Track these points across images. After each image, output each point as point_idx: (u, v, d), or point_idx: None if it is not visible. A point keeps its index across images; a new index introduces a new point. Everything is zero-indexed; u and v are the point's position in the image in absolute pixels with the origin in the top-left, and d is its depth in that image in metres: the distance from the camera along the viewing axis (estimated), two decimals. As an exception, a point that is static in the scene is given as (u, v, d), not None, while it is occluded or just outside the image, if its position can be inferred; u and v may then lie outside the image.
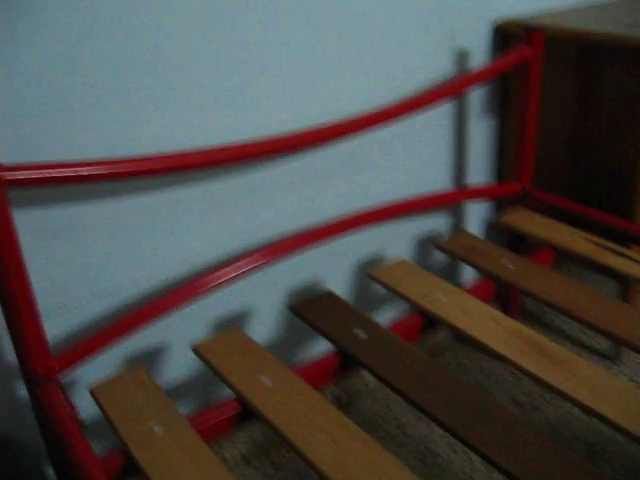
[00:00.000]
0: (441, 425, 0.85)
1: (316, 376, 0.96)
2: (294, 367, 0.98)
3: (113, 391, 0.94)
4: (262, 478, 1.31)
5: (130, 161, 0.93)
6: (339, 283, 1.32)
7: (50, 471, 1.12)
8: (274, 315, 1.28)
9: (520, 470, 0.77)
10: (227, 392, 1.16)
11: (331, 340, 1.02)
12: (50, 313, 1.03)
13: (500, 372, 1.54)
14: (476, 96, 1.42)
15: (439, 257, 1.51)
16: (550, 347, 0.98)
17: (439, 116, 1.38)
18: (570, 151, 1.42)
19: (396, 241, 1.38)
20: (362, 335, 1.02)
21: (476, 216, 1.52)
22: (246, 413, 0.93)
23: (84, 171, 0.88)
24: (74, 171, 0.87)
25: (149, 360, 1.16)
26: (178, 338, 1.16)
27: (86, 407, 1.05)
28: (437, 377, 0.92)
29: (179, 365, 1.18)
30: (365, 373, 1.45)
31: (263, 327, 1.27)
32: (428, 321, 1.07)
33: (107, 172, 0.90)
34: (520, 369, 0.94)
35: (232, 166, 1.11)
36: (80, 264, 1.04)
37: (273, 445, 1.38)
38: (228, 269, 1.07)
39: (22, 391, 1.03)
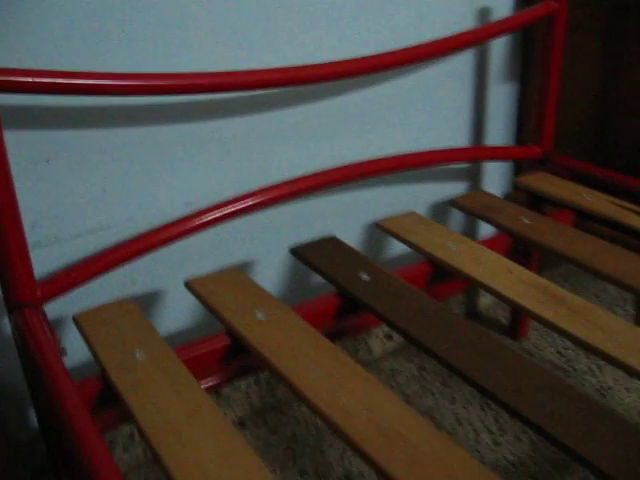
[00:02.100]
0: (446, 365, 0.78)
1: (314, 314, 0.90)
2: (292, 306, 0.92)
3: (97, 319, 0.89)
4: (256, 440, 1.24)
5: (137, 76, 0.87)
6: (349, 239, 1.26)
7: (32, 417, 1.06)
8: (279, 265, 1.22)
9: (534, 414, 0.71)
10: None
11: (332, 281, 0.96)
12: (39, 243, 0.98)
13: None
14: (499, 55, 1.35)
15: (456, 217, 1.44)
16: (568, 297, 0.91)
17: (458, 74, 1.32)
18: (594, 115, 1.35)
19: (412, 202, 1.32)
20: (365, 277, 0.96)
21: (495, 179, 1.45)
22: (236, 347, 0.87)
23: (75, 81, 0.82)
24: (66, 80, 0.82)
25: (143, 303, 1.10)
26: (176, 281, 1.10)
27: (76, 348, 0.99)
28: (446, 321, 0.85)
29: (174, 307, 1.12)
30: (371, 343, 1.39)
31: (266, 275, 1.21)
32: (438, 270, 1.00)
33: (102, 84, 0.84)
34: (537, 318, 0.87)
35: (240, 97, 1.06)
36: (73, 195, 0.99)
37: (269, 409, 1.32)
38: (228, 207, 1.01)
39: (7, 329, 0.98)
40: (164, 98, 1.00)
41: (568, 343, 1.50)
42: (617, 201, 1.17)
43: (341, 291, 0.95)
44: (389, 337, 1.44)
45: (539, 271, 1.58)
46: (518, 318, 1.48)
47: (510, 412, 0.71)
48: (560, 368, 1.42)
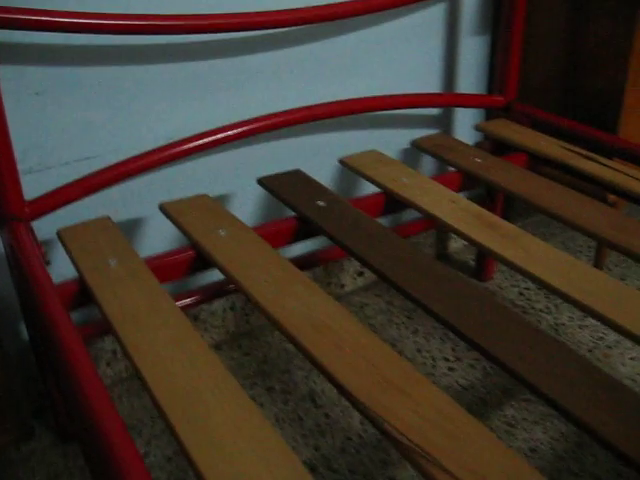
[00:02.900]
0: (396, 287, 0.86)
1: (271, 234, 1.00)
2: (253, 227, 1.02)
3: (78, 233, 0.99)
4: (230, 361, 1.35)
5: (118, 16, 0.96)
6: (320, 176, 1.35)
7: (24, 329, 1.17)
8: (251, 198, 1.32)
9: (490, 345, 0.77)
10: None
11: (291, 207, 1.05)
12: (30, 169, 1.08)
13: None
14: (471, 9, 1.43)
15: (426, 160, 1.53)
16: (503, 224, 1.00)
17: (430, 25, 1.39)
18: (560, 69, 1.43)
19: (384, 144, 1.41)
20: (322, 204, 1.05)
21: (467, 128, 1.54)
22: (200, 261, 0.97)
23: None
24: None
25: (124, 226, 1.21)
26: (155, 210, 1.20)
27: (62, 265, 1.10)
28: (398, 247, 0.94)
29: (152, 233, 1.23)
30: (343, 277, 1.49)
31: (237, 206, 1.31)
32: (390, 201, 1.10)
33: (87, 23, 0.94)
34: (470, 240, 0.96)
35: (219, 39, 1.15)
36: (61, 126, 1.08)
37: (244, 334, 1.42)
38: (204, 138, 1.11)
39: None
40: (146, 39, 1.09)
41: (529, 284, 1.59)
42: (569, 146, 1.25)
43: (299, 215, 1.04)
44: (360, 274, 1.54)
45: (510, 221, 1.67)
46: (484, 261, 1.58)
47: (467, 341, 0.76)
48: (520, 306, 1.52)
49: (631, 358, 1.35)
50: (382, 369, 0.72)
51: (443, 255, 1.69)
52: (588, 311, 0.81)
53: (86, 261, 0.92)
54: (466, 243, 1.60)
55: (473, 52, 1.49)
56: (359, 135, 1.39)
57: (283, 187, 1.11)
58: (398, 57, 1.37)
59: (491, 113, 1.52)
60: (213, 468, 0.58)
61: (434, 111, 1.49)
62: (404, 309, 1.50)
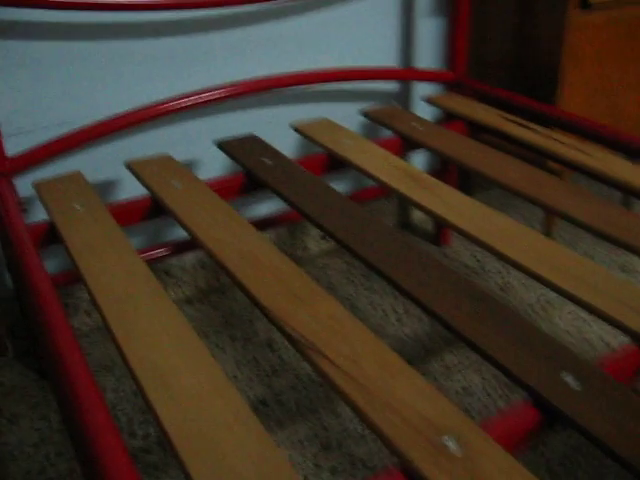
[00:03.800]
0: (339, 242, 0.97)
1: (220, 187, 1.13)
2: (205, 181, 1.15)
3: (50, 185, 1.13)
4: (200, 314, 1.48)
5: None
6: (277, 141, 1.48)
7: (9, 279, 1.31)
8: (213, 162, 1.45)
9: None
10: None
11: (241, 164, 1.18)
12: (11, 132, 1.21)
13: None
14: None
15: (380, 132, 1.65)
16: (425, 177, 1.12)
17: (387, 7, 1.52)
18: (511, 50, 1.55)
19: (339, 116, 1.53)
20: (269, 162, 1.18)
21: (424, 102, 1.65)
22: (155, 209, 1.10)
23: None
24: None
25: (99, 188, 1.34)
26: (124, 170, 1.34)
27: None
28: (337, 202, 1.06)
29: (121, 191, 1.36)
30: (307, 242, 1.62)
31: (200, 166, 1.44)
32: (332, 161, 1.22)
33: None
34: (391, 189, 1.09)
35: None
36: (39, 94, 1.22)
37: (213, 291, 1.55)
38: (174, 102, 1.24)
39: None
40: (120, 17, 1.23)
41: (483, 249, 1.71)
42: (506, 115, 1.37)
43: (246, 171, 1.17)
44: (325, 238, 1.67)
45: (470, 194, 1.79)
46: (441, 228, 1.70)
47: (409, 297, 0.84)
48: (472, 268, 1.64)
49: (569, 312, 1.47)
50: (292, 287, 0.84)
51: (406, 224, 1.81)
52: (484, 246, 0.93)
53: (55, 206, 1.05)
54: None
55: (430, 32, 1.61)
56: (324, 107, 1.51)
57: (237, 149, 1.24)
58: (358, 36, 1.49)
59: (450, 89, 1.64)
60: (151, 379, 0.71)
61: (396, 87, 1.61)
62: (363, 269, 1.62)
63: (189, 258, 1.50)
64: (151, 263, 1.34)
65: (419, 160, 1.74)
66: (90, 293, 0.83)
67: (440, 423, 0.64)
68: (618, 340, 1.38)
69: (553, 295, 1.53)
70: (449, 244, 1.73)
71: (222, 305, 1.52)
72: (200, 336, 1.41)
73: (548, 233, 1.71)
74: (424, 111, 1.65)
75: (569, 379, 0.70)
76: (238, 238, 0.96)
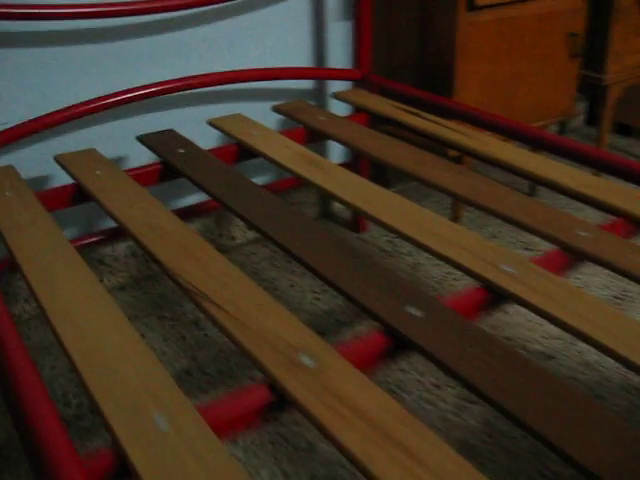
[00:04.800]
0: (284, 249, 1.12)
1: (139, 175, 1.26)
2: (125, 170, 1.28)
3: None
4: (132, 299, 1.60)
5: None
6: (195, 137, 1.61)
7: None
8: (138, 157, 1.57)
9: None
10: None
11: (158, 154, 1.31)
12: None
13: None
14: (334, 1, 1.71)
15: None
16: (322, 161, 1.26)
17: (299, 13, 1.66)
18: (416, 51, 1.71)
19: (259, 113, 1.67)
20: (182, 151, 1.31)
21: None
22: (80, 195, 1.22)
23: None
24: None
25: (31, 181, 1.46)
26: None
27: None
28: (252, 191, 1.19)
29: (51, 179, 1.48)
30: (233, 231, 1.74)
31: (125, 159, 1.56)
32: (241, 151, 1.36)
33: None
34: (291, 172, 1.23)
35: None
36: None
37: (145, 279, 1.67)
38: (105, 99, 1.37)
39: None
40: (74, 25, 1.35)
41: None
42: (404, 107, 1.52)
43: (162, 160, 1.30)
44: (250, 228, 1.80)
45: (386, 185, 1.94)
46: (358, 216, 1.84)
47: (325, 281, 0.92)
48: (387, 251, 1.78)
49: (455, 279, 1.62)
50: (189, 249, 0.97)
51: (327, 213, 1.96)
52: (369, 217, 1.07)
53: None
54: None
55: (340, 35, 1.76)
56: (244, 105, 1.65)
57: (156, 142, 1.37)
58: (272, 39, 1.63)
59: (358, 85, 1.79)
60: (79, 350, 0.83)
61: (311, 85, 1.76)
62: (286, 256, 1.76)
63: (122, 248, 1.62)
64: (85, 252, 1.46)
65: (335, 153, 1.89)
66: (19, 267, 0.94)
67: (299, 344, 0.78)
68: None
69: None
70: (366, 230, 1.88)
71: (153, 290, 1.64)
72: (131, 319, 1.53)
73: (456, 218, 1.86)
74: (338, 107, 1.79)
75: (412, 310, 0.84)
76: (149, 215, 1.08)
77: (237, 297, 0.86)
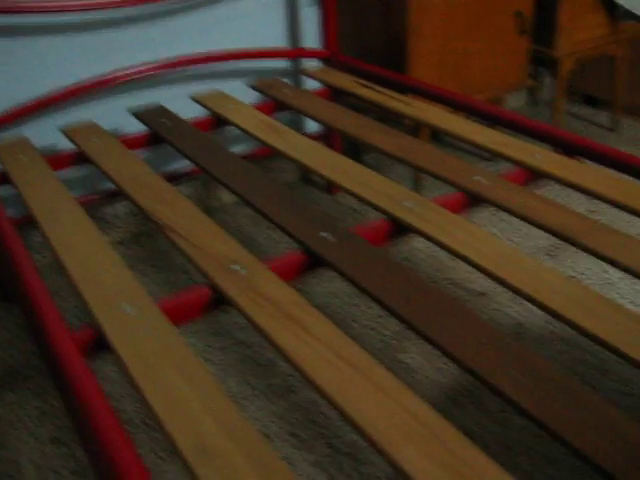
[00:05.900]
0: (261, 212, 1.38)
1: (131, 141, 1.52)
2: (118, 136, 1.54)
3: (7, 147, 1.51)
4: (130, 252, 1.87)
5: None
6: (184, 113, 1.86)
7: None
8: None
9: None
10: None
11: (146, 125, 1.57)
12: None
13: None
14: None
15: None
16: (281, 128, 1.51)
17: (273, 1, 1.91)
18: (379, 34, 1.94)
19: (240, 90, 1.92)
20: (168, 123, 1.57)
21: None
22: (81, 158, 1.49)
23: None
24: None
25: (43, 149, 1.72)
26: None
27: None
28: (225, 155, 1.45)
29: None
30: (221, 194, 2.00)
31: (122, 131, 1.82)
32: (216, 121, 1.62)
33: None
34: (255, 137, 1.48)
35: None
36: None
37: (143, 235, 1.94)
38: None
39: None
40: (53, 19, 1.61)
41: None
42: (359, 81, 1.76)
43: (150, 131, 1.56)
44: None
45: (357, 156, 2.18)
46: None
47: (288, 234, 1.19)
48: (358, 211, 2.03)
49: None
50: (162, 196, 1.23)
51: (306, 178, 2.21)
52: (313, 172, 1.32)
53: (8, 158, 1.44)
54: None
55: (311, 18, 2.00)
56: (227, 83, 1.90)
57: (145, 115, 1.62)
58: (253, 24, 1.88)
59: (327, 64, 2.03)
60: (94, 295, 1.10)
61: (287, 65, 2.00)
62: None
63: (122, 207, 1.88)
64: (88, 210, 1.72)
65: (309, 127, 2.13)
66: (32, 213, 1.21)
67: (234, 258, 1.04)
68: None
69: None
70: (340, 193, 2.12)
71: (149, 245, 1.90)
72: (128, 267, 1.80)
73: (417, 187, 2.09)
74: (313, 84, 2.04)
75: (327, 235, 1.09)
76: (133, 170, 1.34)
77: (195, 228, 1.12)
